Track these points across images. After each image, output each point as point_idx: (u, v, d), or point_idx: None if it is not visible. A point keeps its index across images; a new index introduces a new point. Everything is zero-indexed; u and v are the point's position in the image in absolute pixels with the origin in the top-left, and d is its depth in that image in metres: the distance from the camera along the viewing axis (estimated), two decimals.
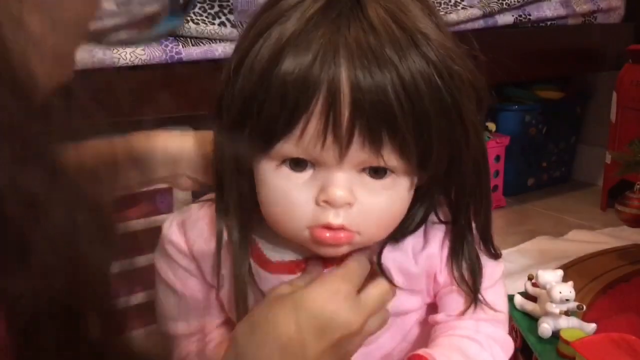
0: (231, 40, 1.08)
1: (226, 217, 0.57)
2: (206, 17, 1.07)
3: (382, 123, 0.47)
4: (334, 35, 0.47)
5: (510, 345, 0.62)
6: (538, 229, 1.55)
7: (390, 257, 0.57)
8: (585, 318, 0.90)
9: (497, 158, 1.70)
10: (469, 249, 0.59)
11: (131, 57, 0.97)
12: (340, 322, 0.51)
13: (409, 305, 0.60)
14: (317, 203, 0.51)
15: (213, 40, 1.07)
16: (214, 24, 1.07)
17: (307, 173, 0.51)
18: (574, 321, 0.85)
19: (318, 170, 0.50)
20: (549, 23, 1.56)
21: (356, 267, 0.55)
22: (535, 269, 0.97)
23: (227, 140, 0.54)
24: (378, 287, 0.55)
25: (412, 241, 0.59)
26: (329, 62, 0.47)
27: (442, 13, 1.34)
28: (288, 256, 0.58)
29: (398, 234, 0.57)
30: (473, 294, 0.59)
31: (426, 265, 0.59)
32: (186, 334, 0.63)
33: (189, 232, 0.60)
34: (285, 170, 0.51)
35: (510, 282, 1.14)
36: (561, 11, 1.55)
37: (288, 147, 0.49)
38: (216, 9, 1.08)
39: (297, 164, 0.51)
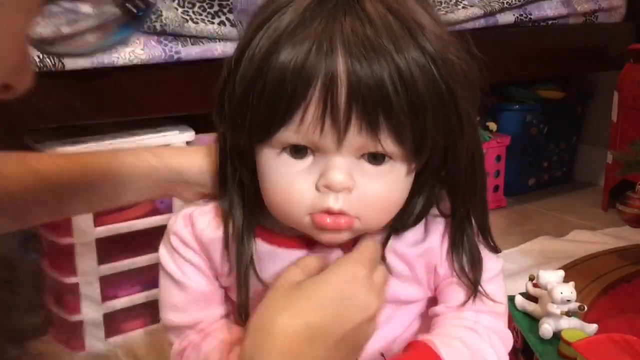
0: (230, 40, 1.07)
1: (230, 207, 0.58)
2: (205, 16, 1.07)
3: (378, 107, 0.48)
4: (330, 24, 0.48)
5: (509, 338, 0.62)
6: (539, 229, 1.54)
7: (392, 248, 0.58)
8: (587, 319, 0.89)
9: (498, 158, 1.70)
10: (469, 241, 0.59)
11: (130, 56, 0.97)
12: (360, 306, 0.51)
13: (411, 294, 0.61)
14: (317, 189, 0.52)
15: (212, 40, 1.06)
16: (213, 23, 1.07)
17: (308, 160, 0.52)
18: (575, 322, 0.85)
19: (318, 156, 0.51)
20: (550, 22, 1.55)
21: (370, 250, 0.55)
22: (536, 269, 0.97)
23: (228, 131, 0.55)
24: (380, 270, 0.56)
25: (414, 233, 0.59)
26: (326, 50, 0.48)
27: (443, 12, 1.33)
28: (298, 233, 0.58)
29: (399, 225, 0.58)
30: (473, 285, 0.59)
31: (426, 258, 0.60)
32: (187, 325, 0.62)
33: (196, 223, 0.61)
34: (286, 157, 0.52)
35: (511, 282, 1.14)
36: (562, 10, 1.55)
37: (288, 134, 0.50)
38: (216, 8, 1.08)
39: (298, 152, 0.52)
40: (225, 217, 0.58)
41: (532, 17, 1.50)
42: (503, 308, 0.62)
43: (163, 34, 1.01)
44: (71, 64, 0.93)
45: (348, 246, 0.57)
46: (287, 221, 0.55)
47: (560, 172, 1.93)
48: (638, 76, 1.53)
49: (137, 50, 0.98)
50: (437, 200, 0.59)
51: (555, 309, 0.84)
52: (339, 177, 0.51)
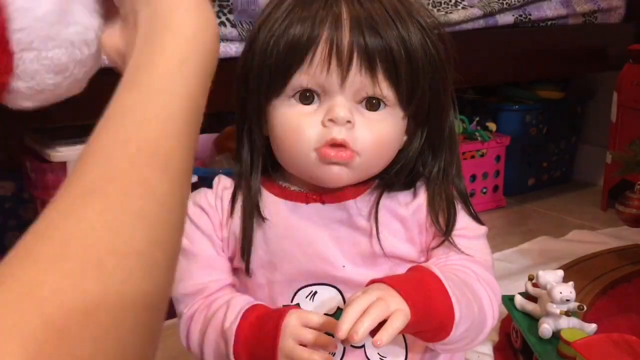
0: (231, 40, 1.08)
1: (241, 167, 0.66)
2: None
3: (376, 47, 0.58)
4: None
5: (498, 288, 0.66)
6: (538, 229, 1.55)
7: (386, 206, 0.65)
8: (586, 318, 0.89)
9: (498, 158, 1.70)
10: (447, 199, 0.66)
11: None
12: None
13: (407, 252, 0.66)
14: (323, 125, 0.60)
15: None
16: None
17: (314, 105, 0.61)
18: (574, 321, 0.85)
19: (323, 100, 0.60)
20: (549, 23, 1.56)
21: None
22: (536, 269, 0.97)
23: (250, 94, 0.63)
24: None
25: (404, 195, 0.66)
26: (331, 4, 0.59)
27: (443, 13, 1.33)
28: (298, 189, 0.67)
29: (390, 181, 0.65)
30: (446, 230, 0.64)
31: (417, 216, 0.65)
32: (194, 291, 0.66)
33: (210, 194, 0.68)
34: (295, 103, 0.61)
35: (510, 282, 1.15)
36: (561, 11, 1.55)
37: (299, 77, 0.59)
38: (216, 8, 1.08)
39: (306, 98, 0.60)
40: (237, 170, 0.67)
41: (531, 17, 1.50)
42: (490, 263, 0.68)
43: None
44: None
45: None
46: (294, 162, 0.63)
47: (560, 172, 1.93)
48: (637, 77, 1.53)
49: None
50: (423, 164, 0.67)
51: (555, 309, 0.84)
52: (342, 112, 0.59)
